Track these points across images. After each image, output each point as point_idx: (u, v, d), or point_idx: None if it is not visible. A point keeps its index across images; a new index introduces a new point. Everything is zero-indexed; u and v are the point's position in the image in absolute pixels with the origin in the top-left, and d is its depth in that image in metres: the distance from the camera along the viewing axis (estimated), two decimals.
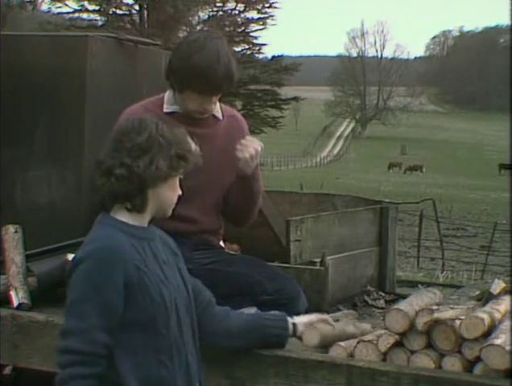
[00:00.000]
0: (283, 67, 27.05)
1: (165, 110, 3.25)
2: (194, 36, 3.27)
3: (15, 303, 3.12)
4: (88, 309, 2.13)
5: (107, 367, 2.17)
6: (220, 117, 3.34)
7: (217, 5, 26.27)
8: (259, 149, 3.20)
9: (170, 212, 2.37)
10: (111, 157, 2.26)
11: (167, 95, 3.29)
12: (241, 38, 26.62)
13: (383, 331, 2.67)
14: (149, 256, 2.27)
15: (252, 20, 26.98)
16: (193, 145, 2.40)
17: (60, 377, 2.15)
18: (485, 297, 2.89)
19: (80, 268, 2.18)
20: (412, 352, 2.60)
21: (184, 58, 3.18)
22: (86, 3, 24.45)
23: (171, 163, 2.26)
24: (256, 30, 27.02)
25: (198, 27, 24.49)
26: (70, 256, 3.25)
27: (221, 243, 3.48)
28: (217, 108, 3.32)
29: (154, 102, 3.29)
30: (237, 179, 3.26)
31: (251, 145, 3.18)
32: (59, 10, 25.24)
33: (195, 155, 2.38)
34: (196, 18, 26.13)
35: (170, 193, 2.32)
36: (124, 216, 2.28)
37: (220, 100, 3.36)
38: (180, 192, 2.38)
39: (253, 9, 26.75)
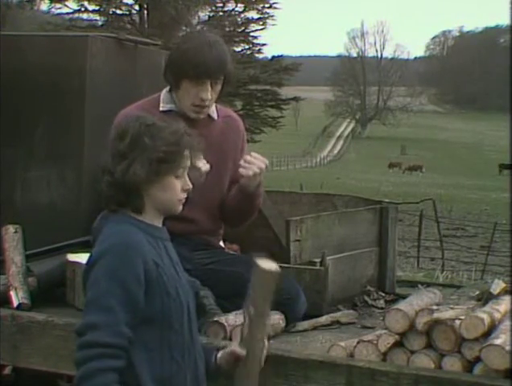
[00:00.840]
0: (283, 68, 27.07)
1: (161, 109, 3.26)
2: (189, 32, 3.36)
3: (15, 303, 3.12)
4: (114, 303, 2.11)
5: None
6: (216, 117, 3.34)
7: (217, 5, 26.28)
8: (263, 166, 3.16)
9: (176, 210, 2.33)
10: (104, 162, 2.27)
11: (163, 94, 3.30)
12: (241, 38, 26.64)
13: (383, 331, 2.67)
14: (164, 255, 2.27)
15: (252, 20, 27.00)
16: (191, 143, 2.31)
17: (83, 372, 2.10)
18: (485, 297, 2.89)
19: (100, 264, 2.16)
20: (412, 352, 2.60)
21: (178, 48, 3.27)
22: (86, 3, 24.47)
23: (150, 167, 2.21)
24: (256, 31, 27.07)
25: (198, 27, 24.49)
26: (70, 256, 3.25)
27: (221, 243, 3.49)
28: (213, 109, 3.33)
29: (151, 101, 3.30)
30: (238, 193, 3.26)
31: (256, 163, 3.14)
32: (59, 11, 25.27)
33: (186, 155, 2.30)
34: (196, 18, 26.15)
35: (163, 194, 2.28)
36: (136, 215, 2.28)
37: (217, 102, 3.36)
38: (190, 185, 2.35)
39: (253, 9, 26.78)
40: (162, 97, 3.29)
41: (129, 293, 2.13)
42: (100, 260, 2.17)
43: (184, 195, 2.33)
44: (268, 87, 26.72)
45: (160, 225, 2.32)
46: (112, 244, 2.19)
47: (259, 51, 27.47)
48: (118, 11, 25.11)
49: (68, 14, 25.25)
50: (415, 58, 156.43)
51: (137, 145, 2.22)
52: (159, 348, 2.21)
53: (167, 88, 3.28)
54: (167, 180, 2.27)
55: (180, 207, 2.34)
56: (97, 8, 24.70)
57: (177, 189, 2.30)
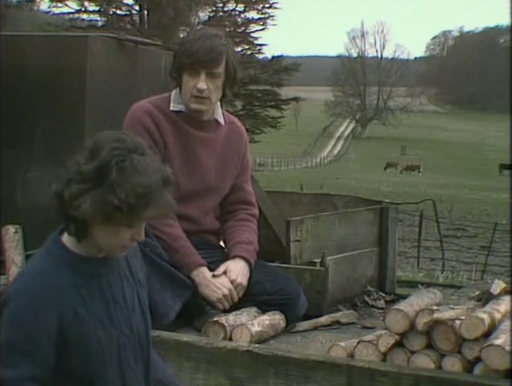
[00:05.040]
0: (283, 68, 27.06)
1: (172, 108, 3.29)
2: (194, 29, 3.39)
3: None
4: (18, 357, 1.87)
5: None
6: (223, 122, 3.37)
7: (217, 5, 26.28)
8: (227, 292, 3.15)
9: (116, 256, 1.99)
10: (63, 167, 1.97)
11: (174, 93, 3.32)
12: (242, 38, 26.60)
13: (383, 331, 2.67)
14: (93, 296, 1.96)
15: (252, 20, 26.99)
16: (160, 201, 1.88)
17: None
18: (485, 298, 2.90)
19: (9, 308, 1.89)
20: (412, 352, 2.60)
21: (179, 44, 3.38)
22: (86, 4, 24.47)
23: (100, 209, 1.85)
24: (256, 31, 27.05)
25: (198, 27, 24.49)
26: None
27: (221, 243, 3.49)
28: (219, 114, 3.36)
29: (162, 99, 3.33)
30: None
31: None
32: (59, 11, 25.26)
33: (150, 211, 1.88)
34: (196, 18, 26.15)
35: (107, 238, 1.92)
36: (75, 244, 1.98)
37: (221, 103, 3.38)
38: (142, 237, 1.95)
39: (254, 9, 26.77)
40: (172, 97, 3.31)
41: (36, 345, 1.88)
42: (9, 303, 1.90)
43: (131, 244, 1.96)
44: (268, 87, 26.71)
45: (101, 255, 1.99)
46: (25, 287, 1.91)
47: (259, 52, 27.47)
48: (119, 12, 25.09)
49: (68, 14, 25.25)
50: (415, 58, 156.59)
51: (99, 175, 1.85)
52: None
53: (177, 89, 3.31)
54: (117, 228, 1.90)
55: (122, 254, 1.99)
56: (98, 8, 24.69)
57: (125, 237, 1.93)
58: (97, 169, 1.86)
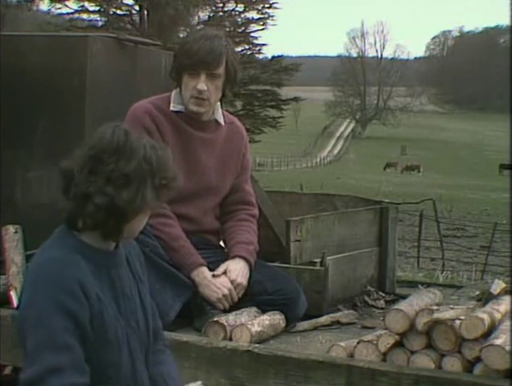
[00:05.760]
0: (283, 68, 27.06)
1: (172, 108, 3.29)
2: (195, 29, 3.39)
3: (15, 303, 3.12)
4: (69, 338, 1.86)
5: None
6: (223, 123, 3.37)
7: (217, 5, 26.28)
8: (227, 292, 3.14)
9: (134, 237, 2.10)
10: (87, 180, 1.93)
11: (174, 94, 3.32)
12: (242, 38, 26.60)
13: (383, 331, 2.67)
14: (105, 287, 2.00)
15: (252, 20, 26.98)
16: (175, 171, 2.06)
17: None
18: (485, 298, 2.89)
19: (41, 296, 1.89)
20: (412, 352, 2.60)
21: (179, 44, 3.37)
22: (86, 4, 24.47)
23: (157, 194, 1.97)
24: (256, 31, 27.04)
25: (199, 27, 24.48)
26: None
27: (221, 243, 3.49)
28: (219, 114, 3.36)
29: (162, 99, 3.33)
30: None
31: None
32: (59, 11, 25.26)
33: (176, 181, 2.05)
34: (196, 18, 26.16)
35: (142, 222, 2.04)
36: (88, 236, 2.00)
37: (221, 103, 3.38)
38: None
39: (254, 9, 26.77)
40: (172, 97, 3.32)
41: (82, 324, 1.89)
42: (38, 293, 1.89)
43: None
44: (268, 87, 26.71)
45: (112, 248, 2.05)
46: (50, 276, 1.91)
47: (259, 52, 27.46)
48: (119, 11, 25.10)
49: (68, 14, 25.25)
50: (415, 58, 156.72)
51: (141, 168, 1.95)
52: None
53: (177, 89, 3.31)
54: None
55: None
56: (98, 8, 24.69)
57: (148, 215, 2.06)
58: (140, 163, 1.94)
